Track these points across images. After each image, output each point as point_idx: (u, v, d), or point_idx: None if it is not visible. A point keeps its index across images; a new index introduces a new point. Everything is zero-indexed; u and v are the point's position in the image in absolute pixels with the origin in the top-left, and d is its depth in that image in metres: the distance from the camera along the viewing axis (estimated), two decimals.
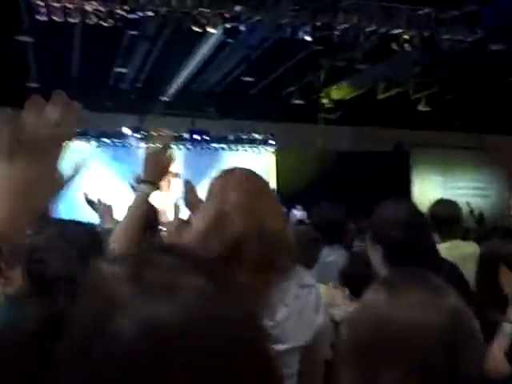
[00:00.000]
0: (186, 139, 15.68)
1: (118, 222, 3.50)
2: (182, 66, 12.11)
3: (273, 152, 16.77)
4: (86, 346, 0.65)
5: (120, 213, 3.67)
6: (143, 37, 10.18)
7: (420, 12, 9.95)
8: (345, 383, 1.28)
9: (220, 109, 15.12)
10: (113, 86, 13.54)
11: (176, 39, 10.34)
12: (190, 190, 2.36)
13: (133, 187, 3.85)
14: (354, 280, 2.94)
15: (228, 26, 9.55)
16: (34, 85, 13.14)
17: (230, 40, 10.17)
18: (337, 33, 9.98)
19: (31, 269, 1.89)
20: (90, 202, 3.80)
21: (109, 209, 3.68)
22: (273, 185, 15.55)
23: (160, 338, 0.62)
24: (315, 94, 14.32)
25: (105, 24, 9.34)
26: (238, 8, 9.36)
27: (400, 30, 10.12)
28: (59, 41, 10.41)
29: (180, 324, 0.63)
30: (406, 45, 10.35)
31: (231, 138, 16.04)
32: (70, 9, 9.03)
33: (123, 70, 12.56)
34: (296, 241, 2.09)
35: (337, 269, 3.52)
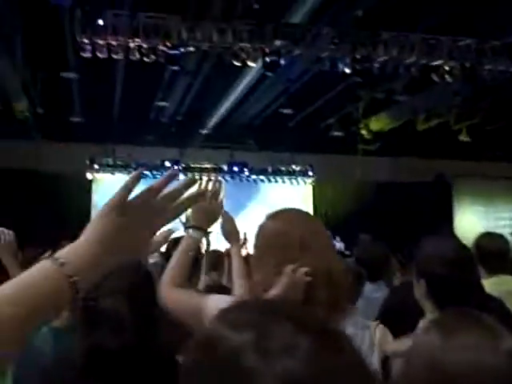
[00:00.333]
0: (224, 171, 15.77)
1: (162, 254, 3.54)
2: (222, 99, 12.25)
3: (311, 183, 16.74)
4: None
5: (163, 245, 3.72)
6: (184, 71, 10.35)
7: (461, 43, 9.90)
8: None
9: (259, 141, 15.21)
10: (154, 120, 13.76)
11: (216, 73, 10.50)
12: (228, 220, 2.38)
13: (184, 224, 3.89)
14: (396, 315, 2.89)
15: (268, 59, 9.65)
16: (77, 119, 13.47)
17: (269, 73, 10.26)
18: (376, 65, 9.98)
19: (83, 305, 1.90)
20: None
21: (156, 243, 3.73)
22: None
23: None
24: (354, 125, 14.30)
25: (147, 60, 9.52)
26: (277, 42, 9.46)
27: (440, 62, 10.07)
28: (102, 76, 10.66)
29: (309, 376, 0.73)
30: (447, 76, 10.28)
31: (270, 169, 16.08)
32: (113, 46, 9.25)
33: (164, 104, 12.76)
34: None
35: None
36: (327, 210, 16.79)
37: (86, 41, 9.08)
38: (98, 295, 1.88)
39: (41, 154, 14.42)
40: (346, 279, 1.76)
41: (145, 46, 9.36)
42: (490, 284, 3.06)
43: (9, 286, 0.90)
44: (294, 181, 16.44)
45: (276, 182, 16.33)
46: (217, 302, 1.95)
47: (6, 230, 3.49)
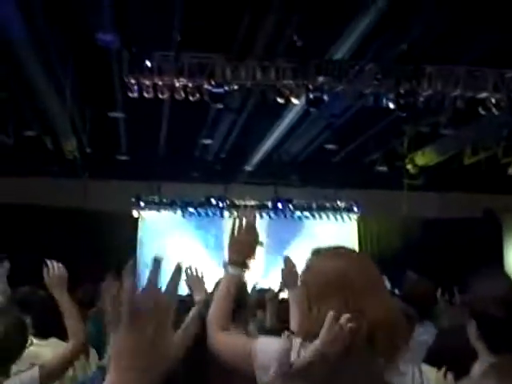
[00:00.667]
0: (269, 208, 15.77)
1: (207, 292, 3.52)
2: (266, 136, 12.33)
3: (356, 219, 16.57)
4: None
5: (207, 282, 3.70)
6: (228, 109, 10.47)
7: (507, 75, 9.76)
8: None
9: (303, 177, 15.20)
10: (198, 157, 13.93)
11: (260, 110, 10.59)
12: (291, 267, 2.33)
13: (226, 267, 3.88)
14: (443, 359, 2.80)
15: (311, 96, 9.69)
16: (123, 158, 13.73)
17: (312, 109, 10.30)
18: (421, 99, 9.91)
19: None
20: (187, 276, 3.83)
21: (200, 280, 3.72)
22: None
23: None
24: (399, 160, 14.17)
25: (192, 98, 9.68)
26: (321, 78, 9.50)
27: (486, 94, 9.93)
28: (148, 115, 10.89)
29: None
30: (493, 108, 10.12)
31: (314, 206, 16.00)
32: (159, 85, 9.44)
33: (208, 142, 12.92)
34: None
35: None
36: (372, 246, 16.57)
37: (132, 81, 9.31)
38: None
39: (87, 192, 14.70)
40: (402, 322, 1.77)
41: (190, 85, 9.53)
42: None
43: None
44: (338, 217, 16.30)
45: (320, 218, 16.21)
46: (266, 347, 1.91)
47: (56, 263, 3.53)
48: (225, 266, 2.34)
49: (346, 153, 13.68)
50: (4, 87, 9.63)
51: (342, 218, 16.36)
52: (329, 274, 1.69)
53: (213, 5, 7.87)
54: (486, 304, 2.14)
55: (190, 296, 4.76)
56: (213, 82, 9.52)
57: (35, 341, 3.72)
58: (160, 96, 9.62)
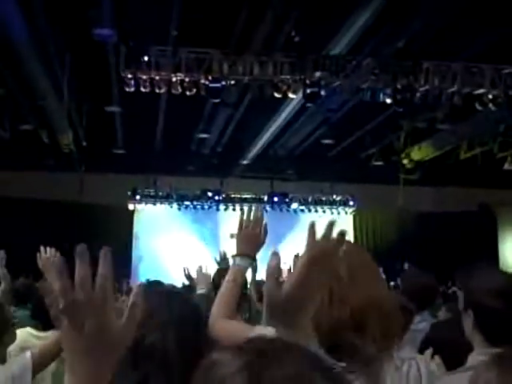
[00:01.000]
0: (265, 201, 15.79)
1: (209, 287, 3.56)
2: (262, 131, 12.32)
3: (351, 213, 16.62)
4: None
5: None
6: (225, 104, 10.46)
7: (504, 71, 9.78)
8: None
9: (299, 171, 15.22)
10: (195, 151, 13.91)
11: (257, 104, 10.58)
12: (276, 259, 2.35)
13: (218, 263, 3.91)
14: (437, 348, 2.84)
15: (308, 91, 9.68)
16: (120, 151, 13.71)
17: (310, 104, 10.29)
18: (418, 94, 9.92)
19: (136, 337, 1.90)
20: (188, 278, 3.86)
21: (206, 276, 3.77)
22: None
23: None
24: (395, 154, 14.20)
25: (189, 93, 9.65)
26: (318, 73, 9.49)
27: (483, 90, 9.94)
28: (145, 109, 10.87)
29: None
30: (490, 104, 10.14)
31: (310, 199, 16.03)
32: (156, 80, 9.42)
33: (205, 136, 12.90)
34: None
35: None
36: (368, 240, 16.65)
37: (129, 76, 9.28)
38: (146, 329, 1.88)
39: (83, 185, 14.69)
40: (397, 310, 1.75)
41: (187, 79, 9.50)
42: None
43: None
44: (334, 211, 16.35)
45: (316, 211, 16.26)
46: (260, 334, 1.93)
47: (48, 248, 3.54)
48: (232, 256, 2.38)
49: (343, 147, 13.70)
50: (1, 81, 9.59)
51: (338, 211, 16.40)
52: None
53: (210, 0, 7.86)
54: (483, 295, 2.15)
55: (187, 287, 4.79)
56: (210, 77, 9.50)
57: (34, 332, 3.71)
58: (157, 90, 9.59)
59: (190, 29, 8.45)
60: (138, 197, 15.55)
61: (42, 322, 3.78)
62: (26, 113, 11.03)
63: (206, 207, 15.83)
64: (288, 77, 9.63)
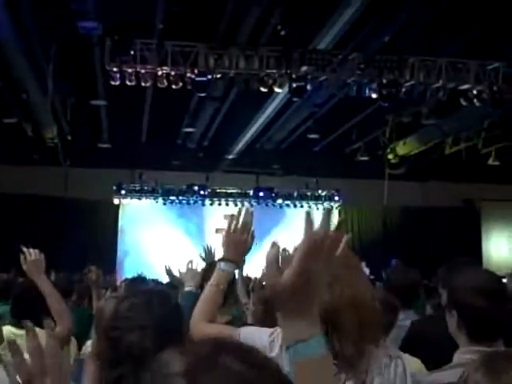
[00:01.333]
0: (250, 196, 15.79)
1: (197, 285, 3.54)
2: (248, 125, 12.31)
3: (337, 208, 16.65)
4: None
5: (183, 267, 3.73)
6: (211, 98, 10.43)
7: (489, 67, 9.84)
8: None
9: (285, 166, 15.23)
10: (181, 145, 13.87)
11: (242, 99, 10.56)
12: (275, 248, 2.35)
13: (203, 259, 3.91)
14: (416, 348, 2.86)
15: (294, 85, 9.67)
16: (105, 145, 13.64)
17: (295, 99, 10.29)
18: (403, 90, 9.95)
19: (109, 336, 1.90)
20: (170, 275, 3.83)
21: (194, 273, 3.74)
22: None
23: None
24: (380, 149, 14.25)
25: (174, 87, 9.61)
26: (304, 68, 9.49)
27: (468, 85, 10.00)
28: (130, 103, 10.81)
29: None
30: (475, 99, 10.20)
31: (296, 194, 16.04)
32: (142, 74, 9.36)
33: (191, 130, 12.86)
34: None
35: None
36: (353, 235, 16.69)
37: (115, 69, 9.21)
38: (125, 328, 1.87)
39: (68, 179, 14.61)
40: (375, 308, 1.76)
41: (172, 73, 9.45)
42: None
43: None
44: (319, 205, 16.37)
45: (302, 206, 16.27)
46: (252, 336, 1.93)
47: (32, 250, 3.50)
48: (218, 260, 2.38)
49: (328, 142, 13.73)
50: None
51: (324, 206, 16.42)
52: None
53: None
54: (466, 294, 2.16)
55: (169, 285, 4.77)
56: (196, 71, 9.46)
57: (15, 330, 3.62)
58: (143, 84, 9.53)
59: (176, 22, 8.40)
60: (123, 191, 15.45)
61: (22, 319, 3.72)
62: (10, 106, 10.93)
63: (192, 202, 15.78)
64: (274, 71, 9.61)
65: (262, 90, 9.82)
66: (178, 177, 15.26)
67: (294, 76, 9.59)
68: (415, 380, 2.05)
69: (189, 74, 9.49)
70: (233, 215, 2.39)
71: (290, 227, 15.60)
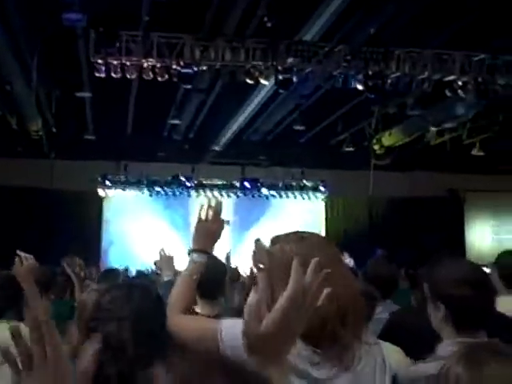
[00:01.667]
0: (236, 187, 15.81)
1: (177, 272, 3.54)
2: (234, 117, 12.29)
3: (323, 199, 16.72)
4: None
5: (176, 262, 3.72)
6: (197, 89, 10.39)
7: (474, 58, 9.89)
8: None
9: (271, 157, 15.26)
10: (166, 137, 13.82)
11: (228, 90, 10.54)
12: (261, 248, 2.36)
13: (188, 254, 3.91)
14: (394, 338, 2.89)
15: (280, 77, 9.67)
16: (90, 137, 13.55)
17: (282, 91, 10.28)
18: (389, 81, 9.98)
19: (91, 327, 1.92)
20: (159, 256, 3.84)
21: (170, 260, 3.74)
22: (322, 231, 15.49)
23: None
24: (366, 140, 14.30)
25: (160, 79, 9.56)
26: (290, 60, 9.48)
27: (453, 77, 10.05)
28: (116, 95, 10.74)
29: None
30: (460, 91, 10.26)
31: (281, 185, 16.07)
32: (127, 65, 9.30)
33: (177, 122, 12.82)
34: None
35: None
36: (339, 225, 16.78)
37: (100, 61, 9.14)
38: (104, 319, 1.90)
39: (54, 171, 14.53)
40: (362, 305, 1.79)
41: (158, 65, 9.40)
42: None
43: None
44: (305, 196, 16.43)
45: (288, 197, 16.33)
46: (234, 329, 1.94)
47: (24, 254, 3.47)
48: (189, 251, 2.38)
49: (314, 133, 13.74)
50: None
51: (309, 197, 16.49)
52: (290, 259, 1.65)
53: None
54: (450, 286, 2.18)
55: (157, 275, 4.77)
56: (181, 63, 9.41)
57: None
58: (128, 76, 9.47)
59: (162, 13, 8.34)
60: (108, 183, 15.40)
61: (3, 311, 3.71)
62: None
63: (178, 193, 15.77)
64: (260, 63, 9.58)
65: (248, 81, 9.79)
66: (163, 168, 15.23)
67: (280, 68, 9.58)
68: (398, 370, 2.07)
69: (174, 66, 9.44)
70: (202, 205, 2.40)
71: (276, 218, 15.69)
